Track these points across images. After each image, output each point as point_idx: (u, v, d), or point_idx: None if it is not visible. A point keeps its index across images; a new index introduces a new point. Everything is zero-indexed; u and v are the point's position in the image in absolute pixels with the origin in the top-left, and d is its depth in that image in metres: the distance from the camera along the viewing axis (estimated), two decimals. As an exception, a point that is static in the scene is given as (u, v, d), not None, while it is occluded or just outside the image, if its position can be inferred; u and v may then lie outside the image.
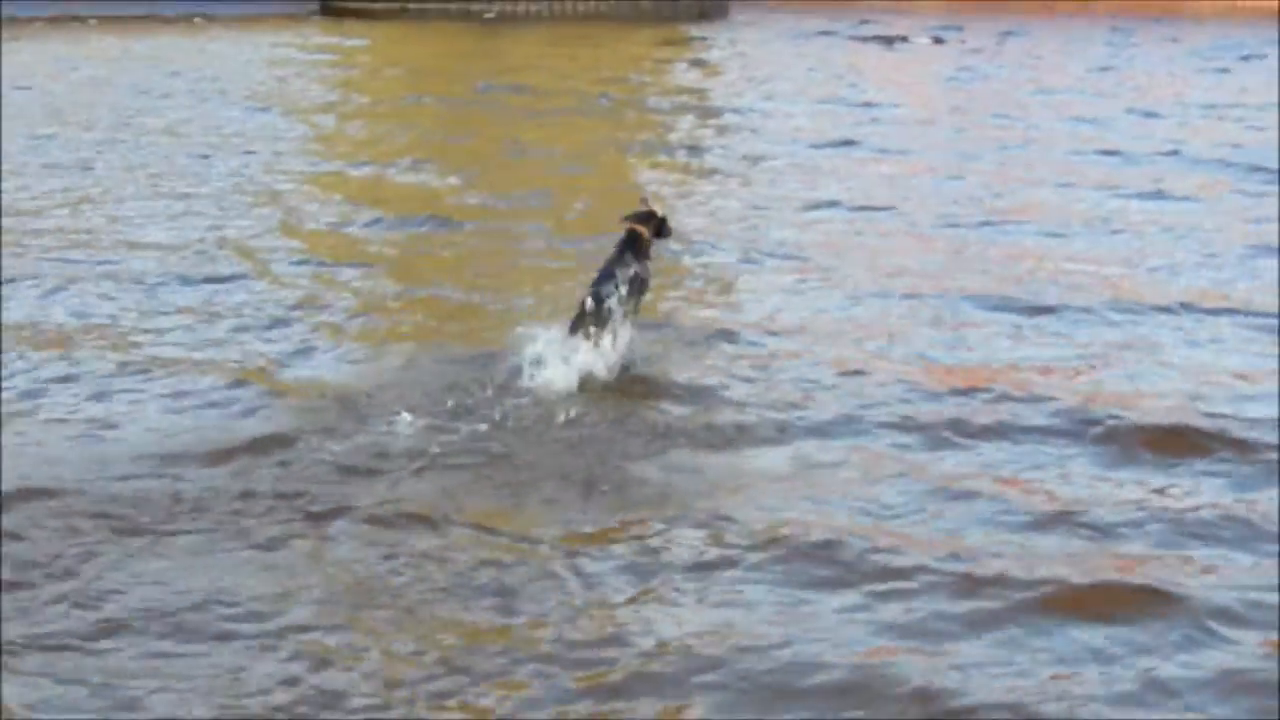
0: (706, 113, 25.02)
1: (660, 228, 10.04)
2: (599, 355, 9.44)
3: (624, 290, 9.55)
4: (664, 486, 7.93)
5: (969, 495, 8.03)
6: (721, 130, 23.31)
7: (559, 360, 9.33)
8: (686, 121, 23.89)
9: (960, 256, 14.19)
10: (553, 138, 21.75)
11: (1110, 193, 17.70)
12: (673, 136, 22.10)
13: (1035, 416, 9.25)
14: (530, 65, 33.37)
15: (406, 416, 8.72)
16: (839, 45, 41.43)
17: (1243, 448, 8.73)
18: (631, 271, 9.67)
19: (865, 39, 43.65)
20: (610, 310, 9.46)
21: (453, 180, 17.65)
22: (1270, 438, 8.89)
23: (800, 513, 7.64)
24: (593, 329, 9.46)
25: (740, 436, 8.75)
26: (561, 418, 8.76)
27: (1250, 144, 21.97)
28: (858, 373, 10.13)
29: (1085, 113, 25.90)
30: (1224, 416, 9.29)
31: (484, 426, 8.61)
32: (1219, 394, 9.86)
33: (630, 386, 9.42)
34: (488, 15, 51.52)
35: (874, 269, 13.51)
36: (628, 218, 9.95)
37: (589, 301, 9.50)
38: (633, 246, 9.80)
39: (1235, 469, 8.46)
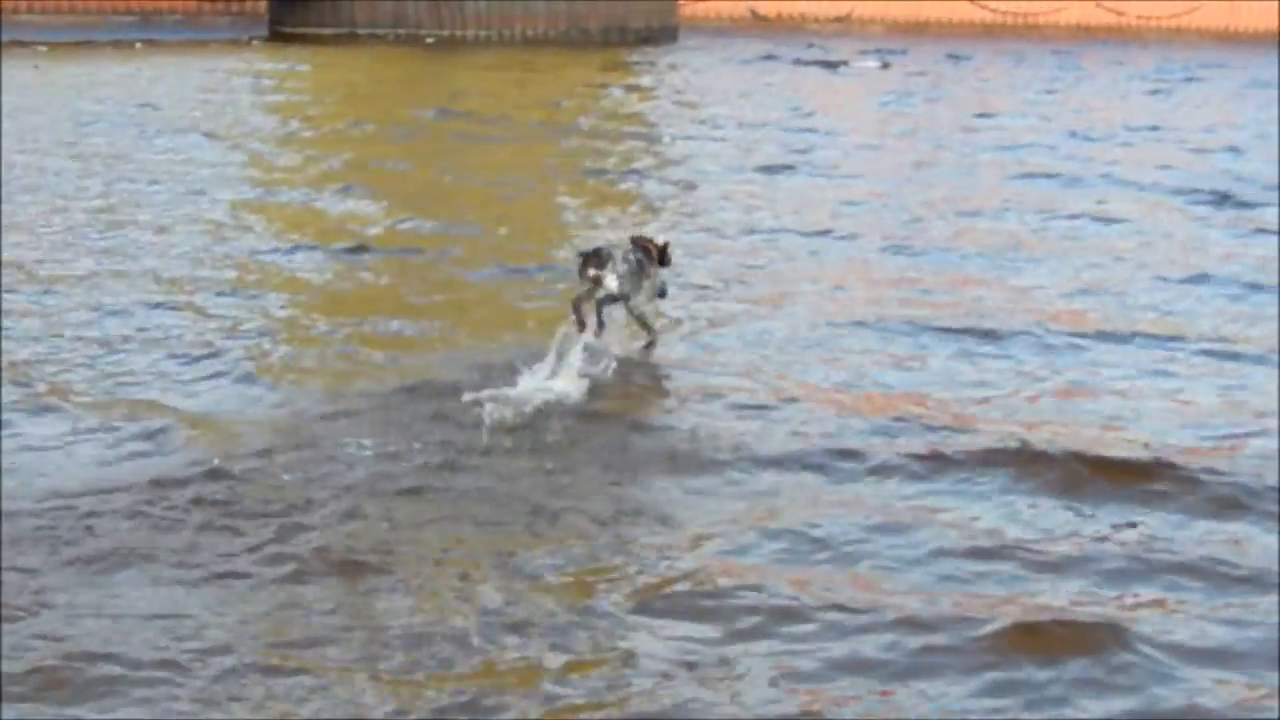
0: (646, 138, 24.61)
1: (662, 255, 10.51)
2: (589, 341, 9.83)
3: (623, 271, 9.93)
4: (597, 520, 7.73)
5: (906, 528, 7.77)
6: (660, 155, 22.90)
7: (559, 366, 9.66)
8: (626, 147, 23.45)
9: (898, 282, 13.89)
10: (489, 164, 21.31)
11: (1050, 216, 17.43)
12: (610, 162, 21.64)
13: (975, 446, 8.94)
14: (472, 91, 32.96)
15: (351, 446, 8.54)
16: (783, 70, 41.16)
17: (1190, 480, 8.45)
18: (635, 260, 10.13)
19: (809, 63, 43.43)
20: (613, 261, 9.87)
21: (384, 207, 17.13)
22: (1221, 467, 8.64)
23: (730, 549, 7.44)
24: (593, 271, 9.81)
25: (678, 466, 8.55)
26: (505, 445, 8.64)
27: (1187, 166, 21.85)
28: (794, 400, 9.86)
29: (1027, 137, 25.69)
30: (1171, 447, 9.01)
31: (427, 457, 8.45)
32: (1167, 424, 9.60)
33: (560, 416, 9.19)
34: (428, 40, 51.16)
35: (813, 295, 13.16)
36: (635, 238, 10.53)
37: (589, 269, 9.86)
38: (641, 252, 10.33)
39: (1183, 501, 8.19)
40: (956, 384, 10.44)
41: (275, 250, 14.75)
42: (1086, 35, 73.86)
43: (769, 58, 45.14)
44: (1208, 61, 52.70)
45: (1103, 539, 7.70)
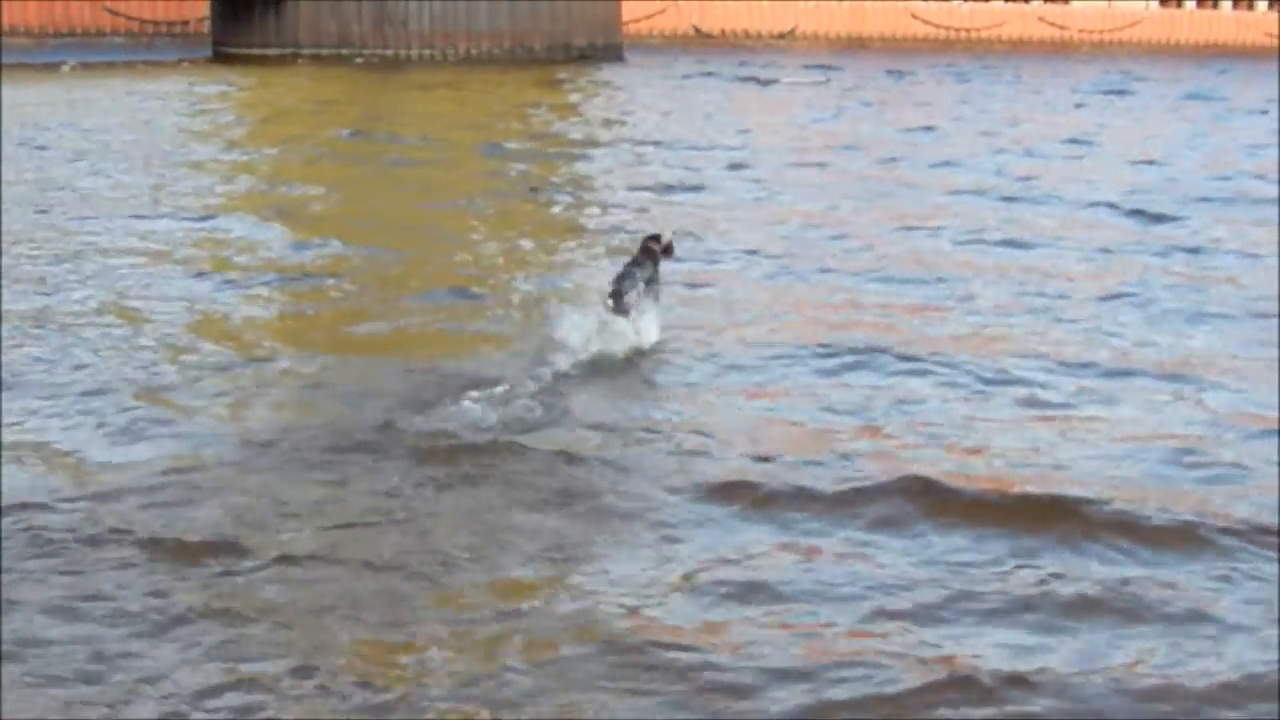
0: (573, 159, 23.89)
1: (667, 248, 11.50)
2: (628, 329, 10.91)
3: (642, 285, 11.04)
4: (519, 559, 7.26)
5: (800, 574, 7.15)
6: (576, 175, 22.24)
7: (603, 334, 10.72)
8: (552, 167, 22.80)
9: (822, 306, 13.10)
10: (409, 184, 20.60)
11: (975, 235, 16.74)
12: (535, 182, 20.93)
13: (883, 479, 8.30)
14: (395, 111, 32.35)
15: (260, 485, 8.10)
16: (720, 87, 40.77)
17: (1107, 518, 7.83)
18: (648, 273, 11.18)
19: (746, 80, 43.02)
20: (629, 301, 10.91)
21: (281, 233, 16.26)
22: (1134, 502, 8.01)
23: (635, 595, 6.92)
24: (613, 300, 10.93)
25: (570, 501, 7.98)
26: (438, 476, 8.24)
27: (1113, 181, 21.27)
28: (699, 434, 9.14)
29: (957, 152, 25.22)
30: (1091, 483, 8.34)
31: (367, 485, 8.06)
32: (1085, 460, 8.88)
33: (481, 449, 8.64)
34: (359, 60, 50.51)
35: (734, 320, 12.40)
36: (647, 237, 11.53)
37: (610, 299, 10.92)
38: (648, 255, 11.31)
39: (1100, 541, 7.58)
40: (870, 413, 9.74)
41: (178, 280, 13.67)
42: (1028, 49, 73.80)
43: (708, 74, 44.77)
44: (1146, 74, 52.51)
45: (1005, 577, 7.13)
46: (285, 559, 7.07)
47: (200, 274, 13.91)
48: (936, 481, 8.20)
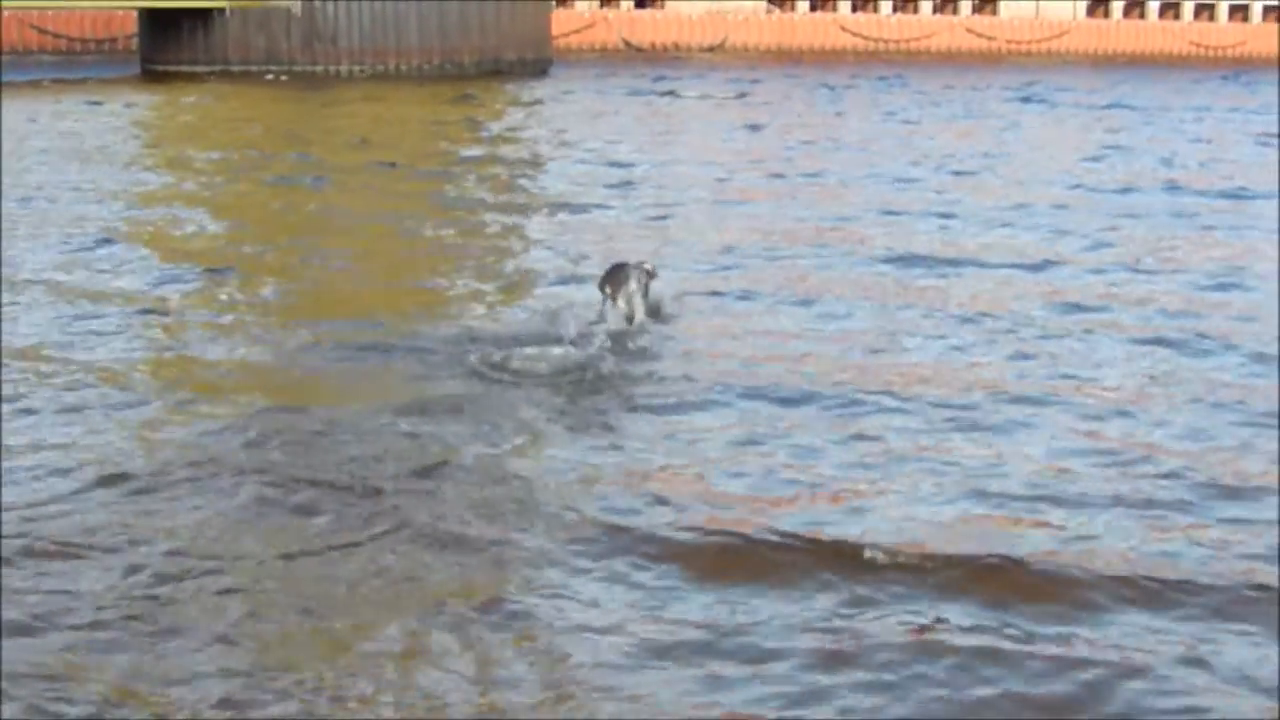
0: (482, 178, 23.22)
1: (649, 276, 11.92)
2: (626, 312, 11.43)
3: (638, 276, 11.62)
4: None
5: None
6: (498, 190, 21.74)
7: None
8: (458, 184, 22.28)
9: (706, 334, 12.26)
10: (300, 204, 20.11)
11: (886, 255, 16.00)
12: (440, 201, 20.24)
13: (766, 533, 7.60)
14: (315, 128, 31.81)
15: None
16: (635, 103, 40.34)
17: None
18: (641, 275, 11.68)
19: (662, 94, 42.70)
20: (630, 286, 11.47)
21: (168, 261, 15.54)
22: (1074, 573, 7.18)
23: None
24: (609, 290, 11.50)
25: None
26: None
27: (1012, 201, 20.85)
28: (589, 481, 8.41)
29: (867, 169, 24.80)
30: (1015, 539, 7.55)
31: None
32: (1012, 522, 7.93)
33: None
34: (268, 76, 49.90)
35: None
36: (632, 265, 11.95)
37: (608, 285, 11.53)
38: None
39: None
40: (724, 456, 8.91)
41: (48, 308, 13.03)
42: (957, 60, 73.76)
43: (633, 93, 44.32)
44: (1069, 85, 52.42)
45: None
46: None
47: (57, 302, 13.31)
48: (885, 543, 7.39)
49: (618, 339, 11.13)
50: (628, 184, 21.96)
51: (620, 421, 9.47)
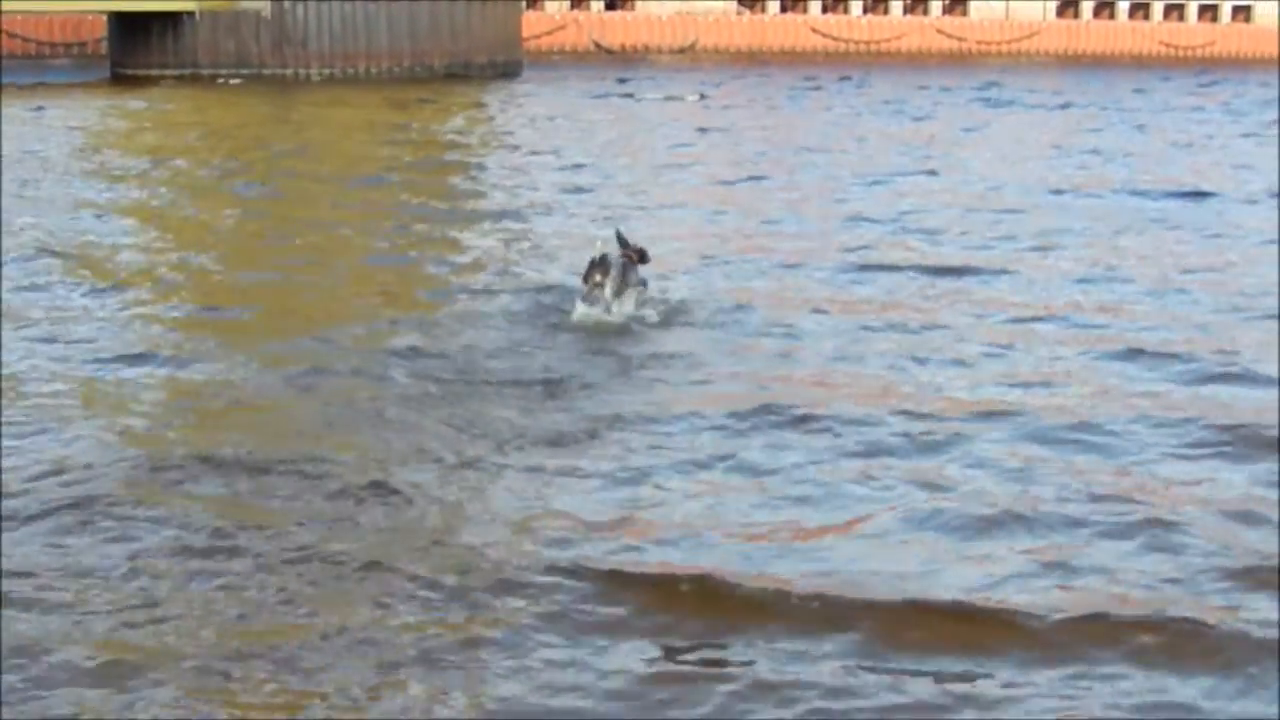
0: (420, 184, 22.77)
1: (642, 255, 12.34)
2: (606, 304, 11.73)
3: (619, 269, 11.84)
4: None
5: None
6: (435, 196, 21.26)
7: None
8: (395, 191, 21.77)
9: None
10: (231, 212, 19.65)
11: (838, 268, 15.27)
12: (373, 209, 19.79)
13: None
14: (273, 135, 31.34)
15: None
16: (603, 106, 40.00)
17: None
18: (622, 264, 11.94)
19: (625, 96, 42.42)
20: (611, 268, 11.76)
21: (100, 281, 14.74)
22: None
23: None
24: (598, 278, 11.69)
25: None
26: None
27: (952, 216, 20.27)
28: (527, 529, 7.66)
29: (820, 173, 24.44)
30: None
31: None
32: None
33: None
34: (232, 80, 49.56)
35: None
36: (624, 248, 12.19)
37: (594, 263, 11.74)
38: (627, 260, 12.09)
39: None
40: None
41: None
42: (927, 60, 73.57)
43: (597, 95, 43.95)
44: (1037, 86, 52.24)
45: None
46: None
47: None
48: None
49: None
50: (577, 190, 21.50)
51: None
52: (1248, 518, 7.73)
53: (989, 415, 9.58)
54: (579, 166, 24.37)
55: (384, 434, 9.04)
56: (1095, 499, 7.98)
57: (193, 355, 11.24)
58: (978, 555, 7.24)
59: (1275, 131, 33.77)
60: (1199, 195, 21.60)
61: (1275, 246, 16.70)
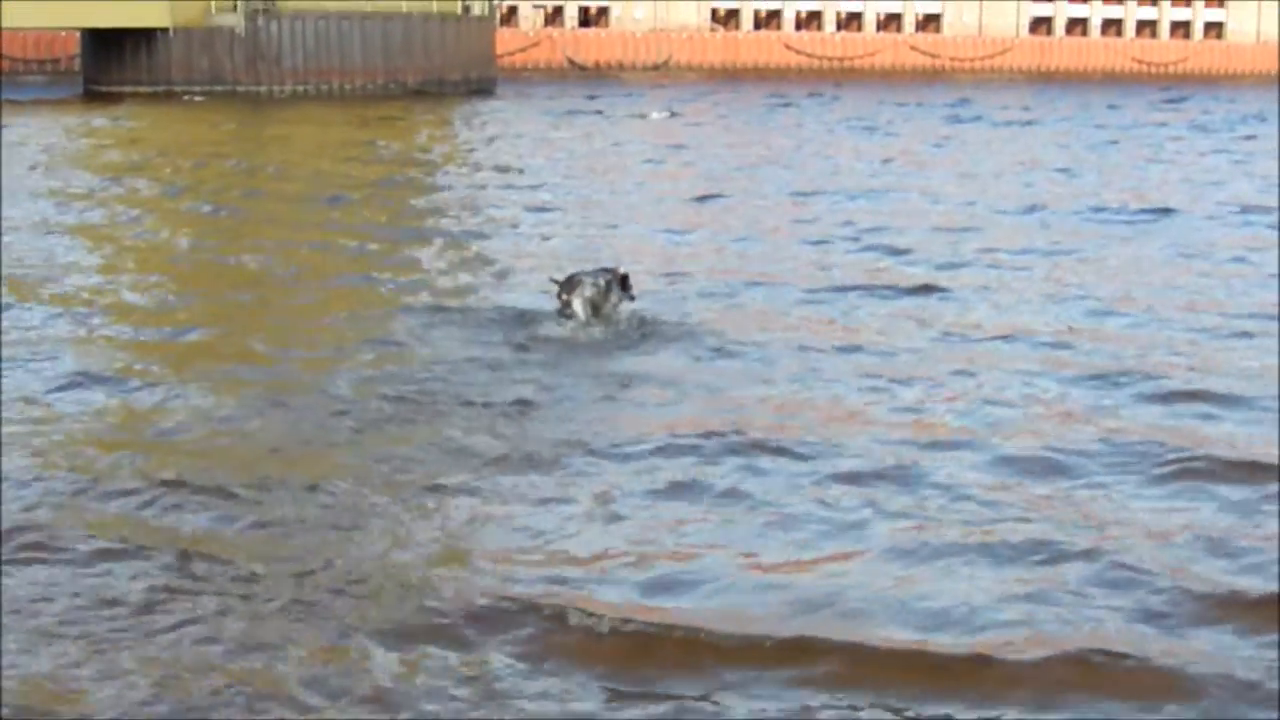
0: (381, 208, 22.28)
1: (624, 282, 12.46)
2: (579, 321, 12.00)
3: (594, 283, 12.14)
4: None
5: None
6: (388, 216, 21.11)
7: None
8: (361, 212, 21.55)
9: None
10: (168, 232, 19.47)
11: (805, 289, 15.06)
12: (344, 229, 19.53)
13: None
14: (236, 152, 31.15)
15: None
16: (570, 123, 39.85)
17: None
18: (604, 282, 12.22)
19: (591, 114, 42.32)
20: (580, 286, 12.04)
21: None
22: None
23: None
24: (565, 297, 12.03)
25: None
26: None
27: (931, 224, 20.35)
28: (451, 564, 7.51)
29: (778, 190, 24.35)
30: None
31: None
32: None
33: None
34: (197, 98, 49.34)
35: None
36: (607, 272, 12.50)
37: (564, 292, 12.05)
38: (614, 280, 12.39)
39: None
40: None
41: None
42: (901, 77, 73.70)
43: (568, 112, 43.87)
44: (1008, 103, 52.35)
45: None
46: None
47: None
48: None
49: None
50: (541, 209, 21.34)
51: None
52: (1216, 547, 7.64)
53: (952, 444, 9.48)
54: (544, 185, 24.27)
55: (337, 457, 8.93)
56: (1061, 528, 7.88)
57: (148, 379, 11.11)
58: (942, 588, 7.12)
59: (1247, 147, 33.93)
60: (1165, 212, 21.57)
61: (1243, 265, 16.71)
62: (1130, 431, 9.72)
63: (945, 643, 6.45)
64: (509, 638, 6.52)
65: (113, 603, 6.79)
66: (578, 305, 12.02)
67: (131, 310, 14.23)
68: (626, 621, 6.60)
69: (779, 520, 8.01)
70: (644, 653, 6.41)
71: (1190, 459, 9.03)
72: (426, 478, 8.57)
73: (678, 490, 8.48)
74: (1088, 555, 7.43)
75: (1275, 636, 6.52)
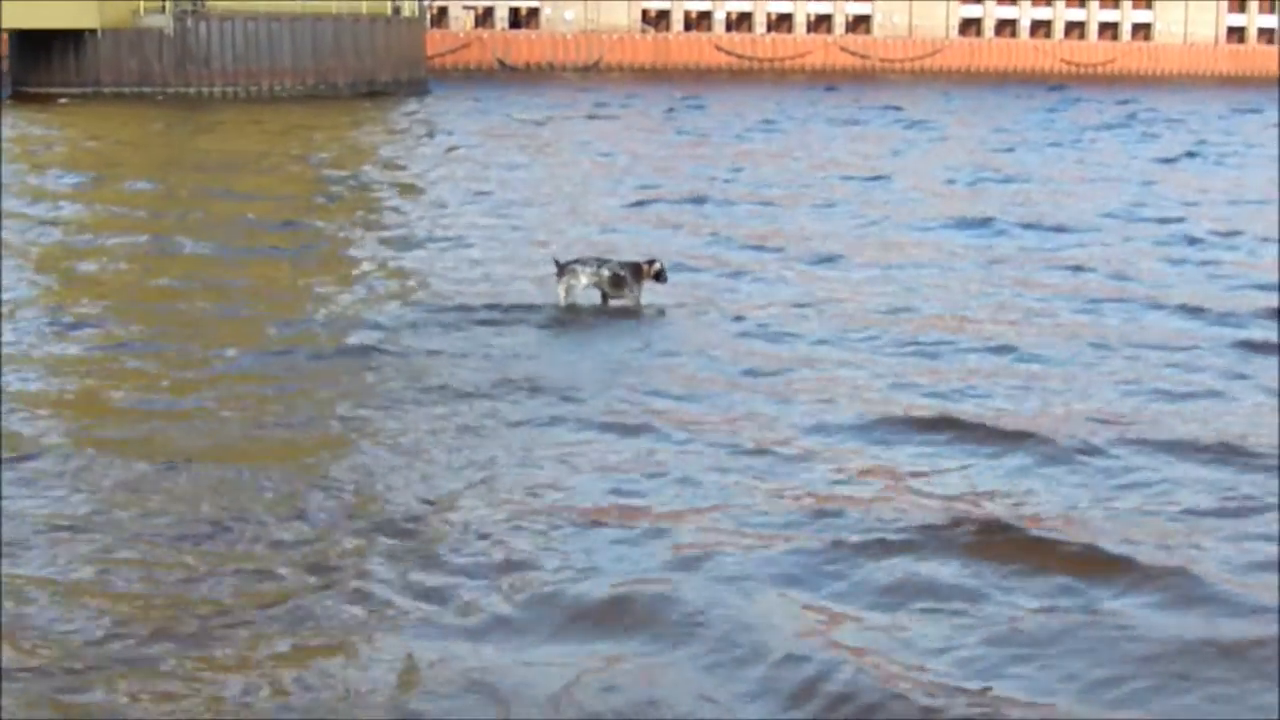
0: (302, 205, 22.65)
1: (659, 274, 14.04)
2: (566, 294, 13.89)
3: (595, 270, 13.97)
4: None
5: None
6: (343, 226, 21.00)
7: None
8: (287, 218, 21.37)
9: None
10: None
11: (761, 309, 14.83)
12: (274, 235, 19.69)
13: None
14: (145, 159, 31.25)
15: None
16: (511, 126, 40.06)
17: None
18: (610, 273, 13.98)
19: (521, 120, 42.59)
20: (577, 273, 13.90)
21: None
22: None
23: None
24: (563, 278, 13.88)
25: None
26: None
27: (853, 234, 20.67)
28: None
29: (686, 195, 24.46)
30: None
31: None
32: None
33: None
34: (61, 100, 49.22)
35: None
36: (645, 261, 14.27)
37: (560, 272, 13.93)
38: (632, 268, 14.10)
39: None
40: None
41: None
42: (831, 78, 74.32)
43: (502, 115, 43.86)
44: (943, 105, 52.85)
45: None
46: None
47: None
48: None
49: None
50: (481, 212, 21.69)
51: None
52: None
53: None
54: (483, 194, 24.42)
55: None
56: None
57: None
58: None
59: (1182, 153, 34.47)
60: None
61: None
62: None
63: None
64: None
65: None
66: (561, 290, 13.92)
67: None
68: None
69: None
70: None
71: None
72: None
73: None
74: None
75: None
